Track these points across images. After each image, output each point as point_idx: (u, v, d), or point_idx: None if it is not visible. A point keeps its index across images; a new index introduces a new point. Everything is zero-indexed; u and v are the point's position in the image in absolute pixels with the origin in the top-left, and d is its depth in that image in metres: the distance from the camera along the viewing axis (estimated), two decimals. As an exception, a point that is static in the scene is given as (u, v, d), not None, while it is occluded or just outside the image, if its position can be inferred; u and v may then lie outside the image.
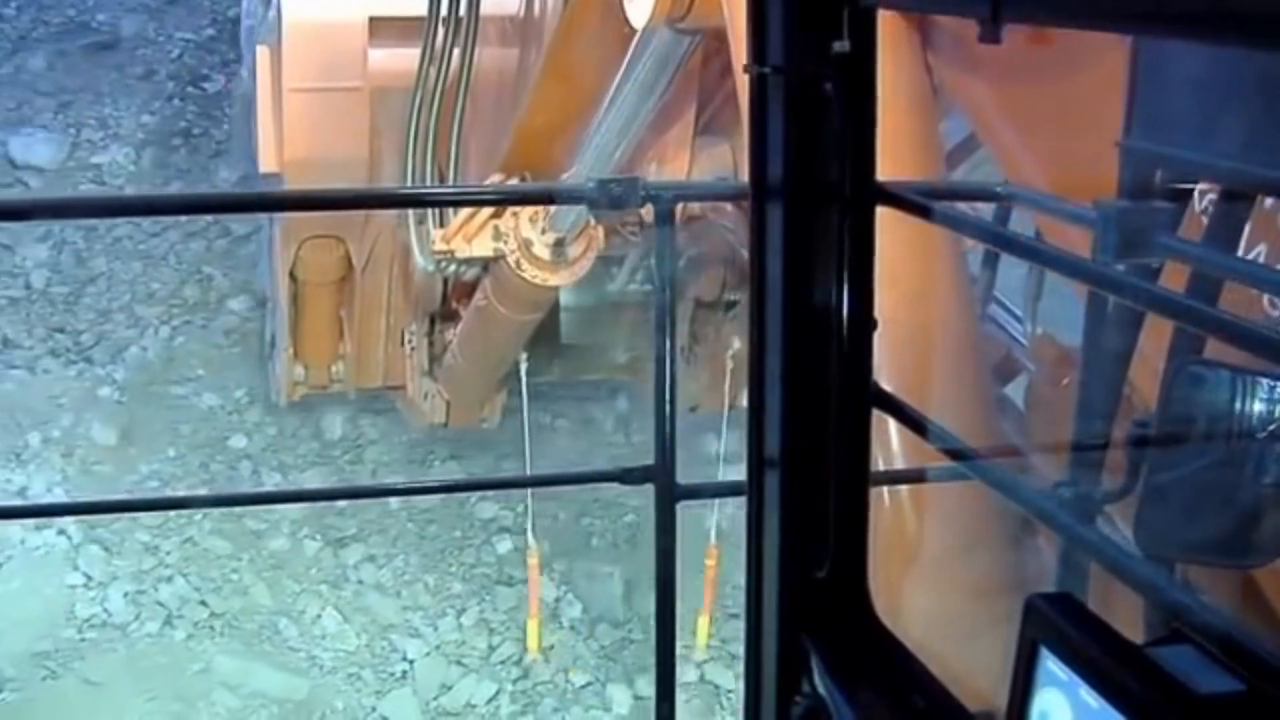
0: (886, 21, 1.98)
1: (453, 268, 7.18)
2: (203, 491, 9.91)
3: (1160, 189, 2.34)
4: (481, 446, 9.95)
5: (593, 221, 6.47)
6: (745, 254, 2.11)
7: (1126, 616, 1.75)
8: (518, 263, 6.78)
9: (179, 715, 8.78)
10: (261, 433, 10.55)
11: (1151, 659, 1.39)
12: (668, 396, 3.31)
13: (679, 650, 8.77)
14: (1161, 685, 1.35)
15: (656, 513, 3.31)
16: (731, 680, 8.79)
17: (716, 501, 6.90)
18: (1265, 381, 1.94)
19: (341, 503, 9.79)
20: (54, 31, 13.21)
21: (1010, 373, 4.48)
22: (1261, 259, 2.37)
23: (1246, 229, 2.36)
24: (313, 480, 10.09)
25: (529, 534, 7.80)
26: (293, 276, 8.63)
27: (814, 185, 1.85)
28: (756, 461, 1.98)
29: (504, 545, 9.77)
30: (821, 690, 1.92)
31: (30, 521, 9.46)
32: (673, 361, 3.31)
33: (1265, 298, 2.37)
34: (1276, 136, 2.08)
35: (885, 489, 2.78)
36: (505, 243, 6.76)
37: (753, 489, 1.99)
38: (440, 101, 6.50)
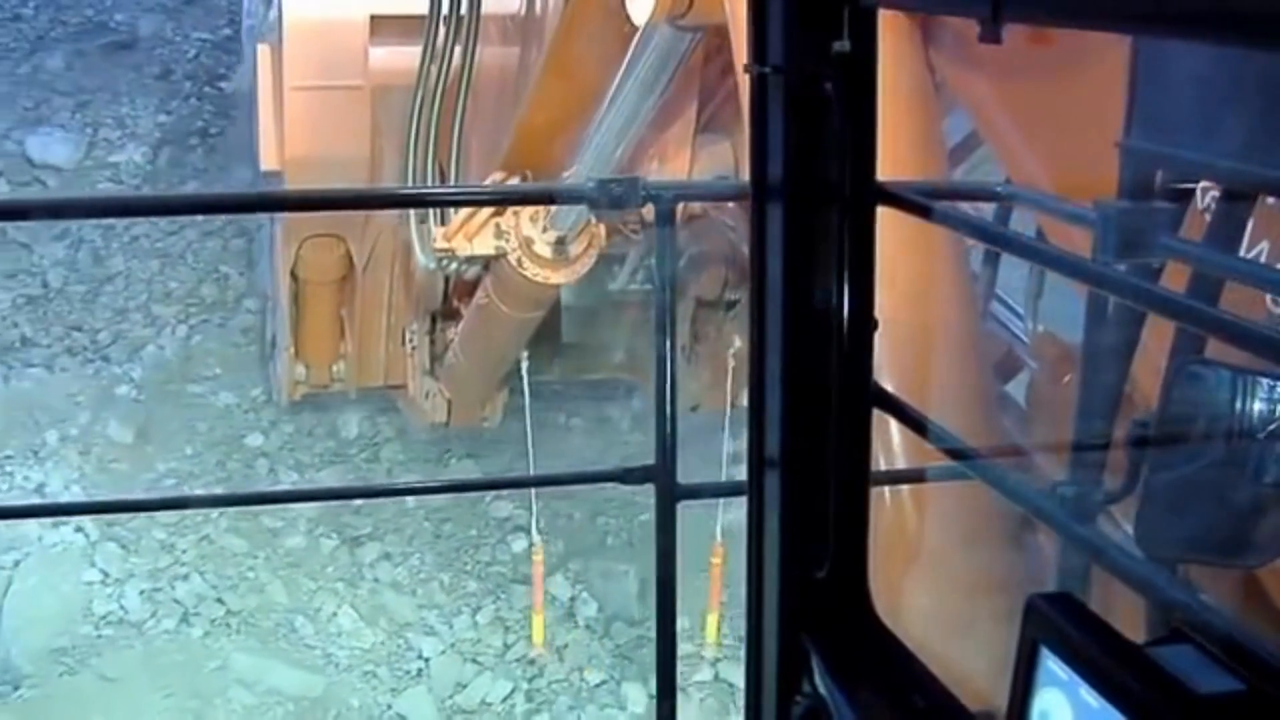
0: (888, 19, 1.98)
1: (454, 266, 7.18)
2: (219, 490, 9.93)
3: (1160, 189, 2.34)
4: (496, 444, 9.96)
5: (594, 220, 6.47)
6: (746, 252, 2.10)
7: (1127, 616, 1.75)
8: (519, 261, 6.78)
9: (195, 712, 8.82)
10: (278, 431, 10.60)
11: (1151, 659, 1.39)
12: (668, 396, 3.31)
13: (692, 650, 8.79)
14: (1162, 685, 1.35)
15: (657, 513, 3.31)
16: (746, 680, 8.81)
17: (722, 501, 6.90)
18: (1265, 381, 1.94)
19: (357, 501, 9.84)
20: (72, 31, 13.27)
21: (1011, 370, 4.48)
22: (1264, 256, 2.37)
23: (1249, 226, 2.36)
24: (329, 478, 10.14)
25: (533, 531, 7.87)
26: (294, 275, 8.64)
27: (814, 185, 1.85)
28: (756, 461, 1.98)
29: (519, 544, 9.78)
30: (821, 690, 1.92)
31: (48, 519, 9.51)
32: (673, 361, 3.30)
33: (1268, 297, 2.36)
34: (1276, 136, 2.08)
35: (885, 489, 2.77)
36: (506, 241, 6.76)
37: (753, 489, 1.99)
38: (441, 99, 6.50)
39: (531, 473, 8.38)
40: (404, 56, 6.80)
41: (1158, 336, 2.39)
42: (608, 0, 4.99)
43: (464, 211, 6.75)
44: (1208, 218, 2.41)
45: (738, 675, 8.85)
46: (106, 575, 9.47)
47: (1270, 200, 2.34)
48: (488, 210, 6.67)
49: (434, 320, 8.81)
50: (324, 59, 7.30)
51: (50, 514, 9.14)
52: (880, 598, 1.96)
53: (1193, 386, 2.05)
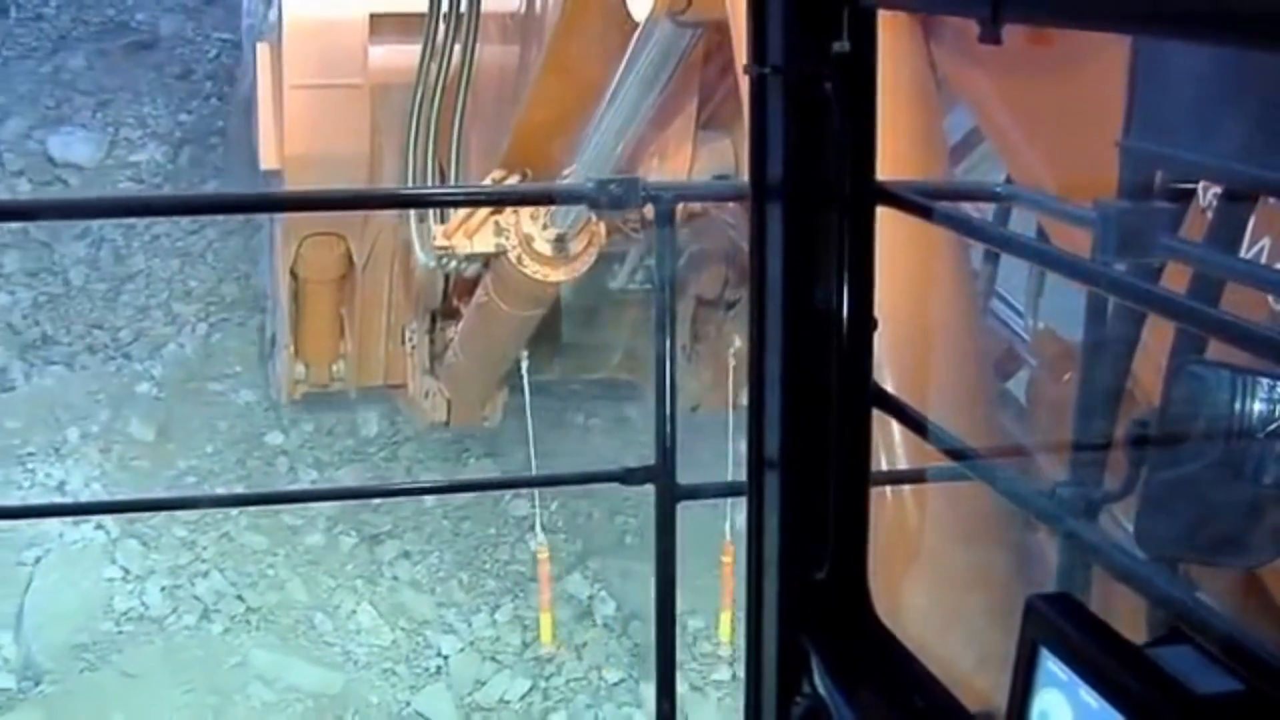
0: (889, 17, 1.97)
1: (454, 264, 7.18)
2: (240, 488, 9.96)
3: (1160, 189, 2.34)
4: (515, 444, 9.96)
5: (594, 218, 6.47)
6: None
7: (1126, 616, 1.75)
8: (519, 258, 6.78)
9: (215, 708, 8.86)
10: (298, 429, 10.62)
11: (1151, 659, 1.39)
12: (668, 396, 3.30)
13: (710, 650, 8.75)
14: (1161, 685, 1.35)
15: (657, 513, 3.31)
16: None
17: (731, 500, 6.91)
18: (1265, 381, 1.93)
19: (375, 499, 9.86)
20: (93, 31, 13.33)
21: (1012, 368, 4.47)
22: (1265, 253, 2.37)
23: (1250, 224, 2.36)
24: (348, 477, 10.17)
25: (538, 530, 7.95)
26: (294, 274, 8.64)
27: (814, 185, 1.85)
28: (756, 461, 1.97)
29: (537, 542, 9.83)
30: (821, 690, 1.92)
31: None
32: (673, 361, 3.30)
33: (1269, 296, 2.36)
34: (1276, 136, 2.08)
35: (885, 489, 2.77)
36: (506, 239, 6.76)
37: (753, 489, 1.99)
38: (441, 98, 6.50)
39: (533, 473, 8.38)
40: (403, 55, 6.80)
41: (1158, 335, 2.39)
42: (607, -3, 4.99)
43: (464, 209, 6.75)
44: (1209, 217, 2.40)
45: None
46: (127, 572, 9.52)
47: (1271, 200, 2.33)
48: (487, 208, 6.67)
49: (434, 319, 8.81)
50: (324, 57, 7.30)
51: (70, 513, 9.19)
52: (880, 598, 1.96)
53: (1193, 386, 2.05)
